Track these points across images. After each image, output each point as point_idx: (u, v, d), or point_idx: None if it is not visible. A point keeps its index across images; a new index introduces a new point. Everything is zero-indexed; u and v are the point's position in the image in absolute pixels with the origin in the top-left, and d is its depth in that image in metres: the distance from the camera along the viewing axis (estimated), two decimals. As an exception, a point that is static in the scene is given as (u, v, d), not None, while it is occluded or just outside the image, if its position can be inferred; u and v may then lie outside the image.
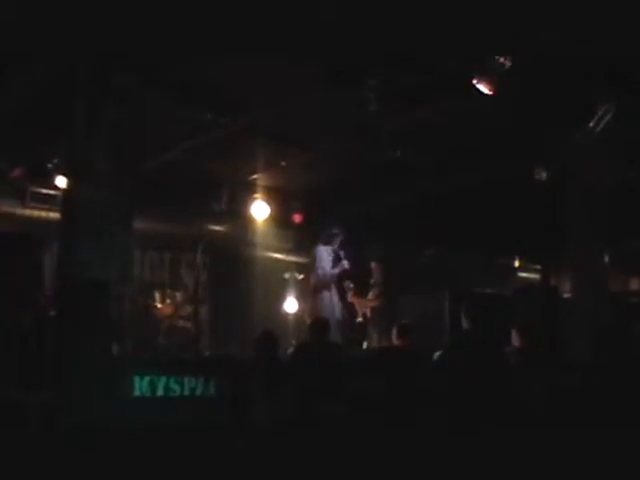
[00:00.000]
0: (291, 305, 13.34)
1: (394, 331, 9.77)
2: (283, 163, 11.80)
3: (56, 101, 8.66)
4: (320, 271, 11.34)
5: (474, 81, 8.81)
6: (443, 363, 9.14)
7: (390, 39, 7.95)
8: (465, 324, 9.24)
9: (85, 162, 8.33)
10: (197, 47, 8.04)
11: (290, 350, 10.17)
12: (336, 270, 11.41)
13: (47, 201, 11.32)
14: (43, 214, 11.32)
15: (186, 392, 8.30)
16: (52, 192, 11.21)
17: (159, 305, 12.48)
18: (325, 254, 11.50)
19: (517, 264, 15.84)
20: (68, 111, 8.40)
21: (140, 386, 8.07)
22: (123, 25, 7.58)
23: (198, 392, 8.37)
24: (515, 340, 9.83)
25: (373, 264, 12.15)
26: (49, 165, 10.96)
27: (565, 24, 7.68)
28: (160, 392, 8.16)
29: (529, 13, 7.54)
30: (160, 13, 7.44)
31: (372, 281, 12.14)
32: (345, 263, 11.38)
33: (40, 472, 6.04)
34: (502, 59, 8.55)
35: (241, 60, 8.43)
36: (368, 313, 11.81)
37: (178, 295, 12.74)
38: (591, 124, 9.46)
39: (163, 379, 8.18)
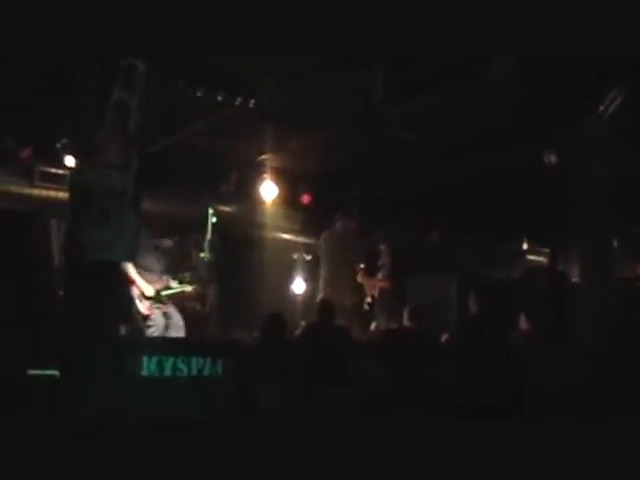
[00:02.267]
0: (299, 286, 13.37)
1: (405, 313, 9.79)
2: (292, 144, 11.78)
3: (64, 81, 8.65)
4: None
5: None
6: (450, 347, 9.18)
7: (394, 37, 7.93)
8: (472, 308, 9.25)
9: (92, 143, 8.30)
10: (202, 39, 8.03)
11: (297, 332, 10.19)
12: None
13: (55, 181, 11.29)
14: (52, 194, 11.28)
15: (193, 372, 8.30)
16: (61, 172, 11.18)
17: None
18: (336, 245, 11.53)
19: (525, 247, 15.80)
20: (75, 91, 8.39)
21: (148, 366, 8.08)
22: (130, 15, 7.56)
23: (205, 373, 8.37)
24: (523, 324, 9.84)
25: (382, 246, 12.15)
26: (58, 145, 10.93)
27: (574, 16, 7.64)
28: (168, 372, 8.16)
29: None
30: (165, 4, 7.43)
31: (380, 263, 12.15)
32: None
33: (46, 453, 6.07)
34: None
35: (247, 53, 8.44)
36: (376, 294, 11.81)
37: (186, 276, 12.69)
38: (601, 108, 9.42)
39: (171, 359, 8.19)
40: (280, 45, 8.04)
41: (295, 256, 13.65)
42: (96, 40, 7.93)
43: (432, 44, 7.98)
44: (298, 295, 13.40)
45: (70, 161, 10.43)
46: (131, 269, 10.44)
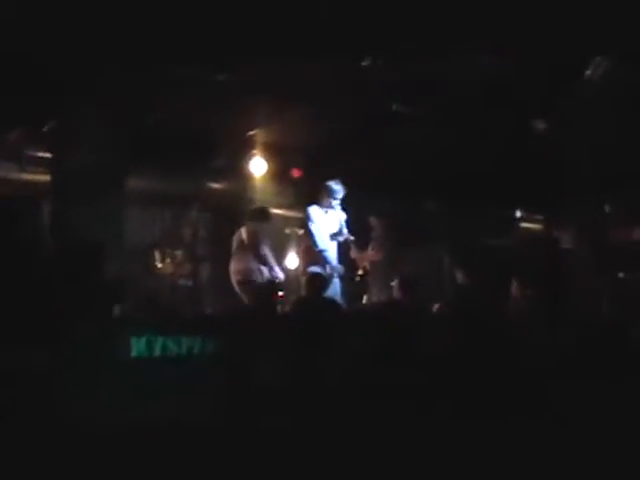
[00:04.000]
0: (292, 260, 13.31)
1: (396, 284, 9.75)
2: (281, 118, 11.72)
3: (47, 64, 8.57)
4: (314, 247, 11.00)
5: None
6: (441, 317, 9.16)
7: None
8: (459, 277, 9.24)
9: (74, 124, 8.26)
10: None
11: (286, 307, 10.17)
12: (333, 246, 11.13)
13: (45, 164, 11.16)
14: (41, 178, 11.16)
15: (183, 351, 8.28)
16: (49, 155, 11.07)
17: (159, 264, 12.43)
18: (320, 217, 11.13)
19: (519, 215, 15.71)
20: (57, 73, 8.33)
21: (137, 346, 8.06)
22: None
23: (196, 351, 8.35)
24: (514, 291, 9.83)
25: (373, 219, 12.10)
26: (45, 128, 10.82)
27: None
28: (157, 352, 8.15)
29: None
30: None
31: (372, 235, 12.10)
32: (346, 234, 11.19)
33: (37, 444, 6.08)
34: None
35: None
36: (367, 266, 11.75)
37: (178, 254, 12.67)
38: (589, 72, 9.37)
39: (160, 339, 8.17)
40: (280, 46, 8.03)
41: (287, 231, 13.56)
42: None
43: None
44: (291, 270, 13.30)
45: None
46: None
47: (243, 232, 11.10)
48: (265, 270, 10.86)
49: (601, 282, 10.41)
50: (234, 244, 11.20)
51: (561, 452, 5.99)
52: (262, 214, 11.33)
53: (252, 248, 10.92)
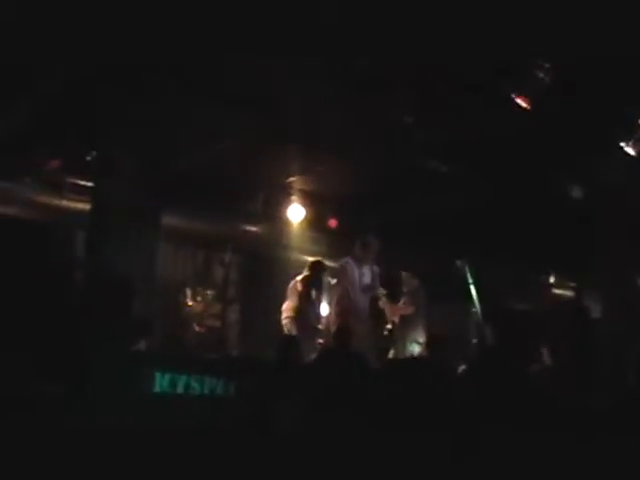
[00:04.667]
0: (323, 309, 13.28)
1: (424, 341, 9.72)
2: (320, 168, 11.81)
3: (86, 97, 8.67)
4: (346, 300, 10.91)
5: (512, 95, 8.78)
6: (466, 378, 9.09)
7: (423, 47, 7.92)
8: (491, 339, 9.18)
9: (110, 160, 8.33)
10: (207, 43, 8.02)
11: (313, 356, 10.14)
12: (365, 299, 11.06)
13: (85, 193, 11.22)
14: (80, 206, 11.21)
15: (206, 391, 8.31)
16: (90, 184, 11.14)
17: (190, 302, 12.50)
18: (354, 269, 11.03)
19: (552, 280, 15.64)
20: (94, 108, 8.40)
21: (161, 383, 8.09)
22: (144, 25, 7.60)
23: (218, 392, 8.37)
24: (546, 357, 9.76)
25: (405, 273, 12.04)
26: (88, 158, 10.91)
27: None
28: (180, 390, 8.18)
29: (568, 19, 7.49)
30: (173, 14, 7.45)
31: (405, 289, 12.02)
32: (378, 288, 11.18)
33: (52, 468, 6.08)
34: (542, 74, 8.50)
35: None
36: (397, 321, 11.68)
37: (209, 293, 12.75)
38: (629, 143, 9.36)
39: (184, 377, 8.21)
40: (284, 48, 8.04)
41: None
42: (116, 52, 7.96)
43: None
44: (323, 317, 13.28)
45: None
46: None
47: (298, 280, 11.29)
48: (312, 314, 11.24)
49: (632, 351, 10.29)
50: (289, 291, 11.39)
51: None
52: (318, 266, 11.54)
53: (304, 293, 11.18)
